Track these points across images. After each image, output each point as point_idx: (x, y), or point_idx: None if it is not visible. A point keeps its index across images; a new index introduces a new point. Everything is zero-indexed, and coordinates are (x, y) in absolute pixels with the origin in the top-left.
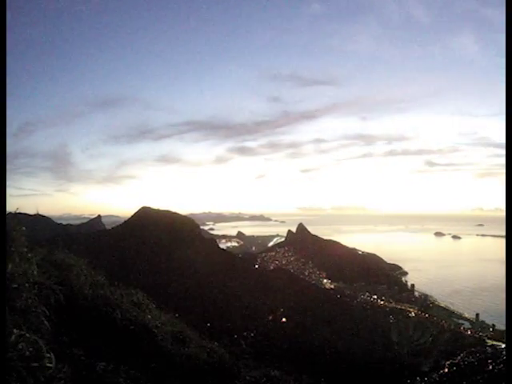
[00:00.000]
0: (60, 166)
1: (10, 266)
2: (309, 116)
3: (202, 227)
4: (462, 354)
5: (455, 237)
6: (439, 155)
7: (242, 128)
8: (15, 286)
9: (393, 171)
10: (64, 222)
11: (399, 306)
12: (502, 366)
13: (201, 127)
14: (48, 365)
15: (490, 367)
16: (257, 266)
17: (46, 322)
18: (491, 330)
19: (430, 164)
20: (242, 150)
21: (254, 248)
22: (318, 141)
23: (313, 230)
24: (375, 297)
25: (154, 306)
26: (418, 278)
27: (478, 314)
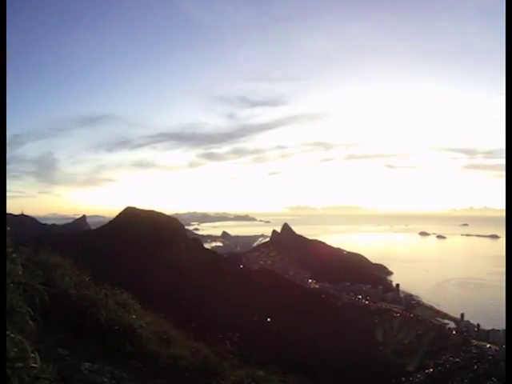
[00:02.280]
0: (44, 171)
1: None
2: (265, 128)
3: (186, 227)
4: (446, 354)
5: (440, 237)
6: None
7: (207, 138)
8: None
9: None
10: (49, 223)
11: (384, 306)
12: (487, 365)
13: (171, 138)
14: (33, 365)
15: (475, 367)
16: (241, 267)
17: (30, 322)
18: (476, 329)
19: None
20: (211, 156)
21: (238, 248)
22: (280, 147)
23: (299, 229)
24: (360, 297)
25: (139, 306)
26: (403, 277)
27: (462, 314)
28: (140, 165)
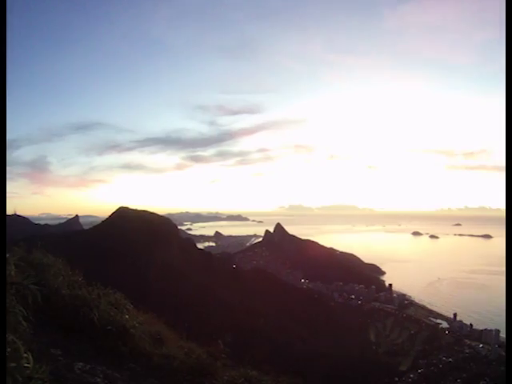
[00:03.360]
0: (37, 173)
1: None
2: (247, 133)
3: (179, 227)
4: (439, 354)
5: (433, 236)
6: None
7: (192, 142)
8: None
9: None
10: (42, 223)
11: (377, 306)
12: (479, 365)
13: (157, 142)
14: (26, 365)
15: (468, 367)
16: (234, 266)
17: (23, 322)
18: (469, 329)
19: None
20: (196, 159)
21: (231, 248)
22: (263, 150)
23: (292, 229)
24: (353, 297)
25: (132, 306)
26: (396, 277)
27: (455, 314)
28: (129, 167)
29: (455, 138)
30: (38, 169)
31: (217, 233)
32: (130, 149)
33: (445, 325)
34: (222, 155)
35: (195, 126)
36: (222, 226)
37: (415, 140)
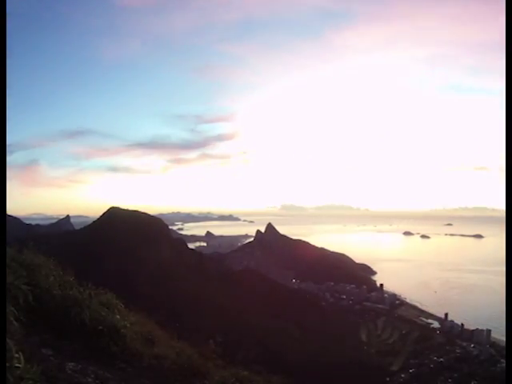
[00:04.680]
0: (29, 174)
1: None
2: (226, 138)
3: (170, 227)
4: (431, 354)
5: (424, 236)
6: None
7: (175, 146)
8: None
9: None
10: (33, 223)
11: (368, 306)
12: (471, 365)
13: (142, 147)
14: (17, 365)
15: (459, 367)
16: (225, 267)
17: (14, 322)
18: (460, 329)
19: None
20: (180, 161)
21: (222, 248)
22: (244, 153)
23: (283, 229)
24: (344, 296)
25: (123, 306)
26: (387, 277)
27: (446, 314)
28: (115, 169)
29: (454, 137)
30: (29, 170)
31: (208, 233)
32: (115, 153)
33: (436, 325)
34: (205, 158)
35: (176, 133)
36: (213, 226)
37: (413, 141)
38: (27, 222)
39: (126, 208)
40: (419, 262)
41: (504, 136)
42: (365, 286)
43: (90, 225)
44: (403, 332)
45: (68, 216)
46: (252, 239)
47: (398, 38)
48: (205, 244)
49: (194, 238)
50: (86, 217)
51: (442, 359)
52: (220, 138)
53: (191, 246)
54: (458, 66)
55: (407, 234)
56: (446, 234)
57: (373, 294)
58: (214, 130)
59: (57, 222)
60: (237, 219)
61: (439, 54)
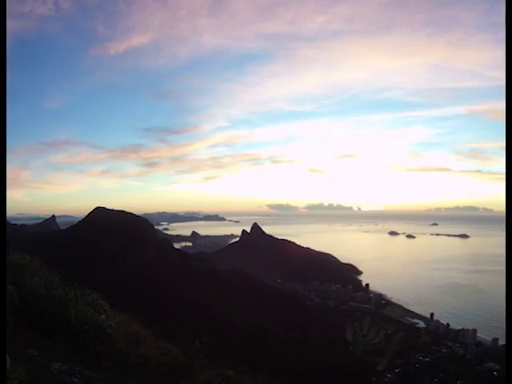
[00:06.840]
0: (15, 174)
1: None
2: (197, 145)
3: (156, 227)
4: (416, 354)
5: (409, 236)
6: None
7: (148, 152)
8: None
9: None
10: (18, 223)
11: (354, 306)
12: (457, 365)
13: (118, 155)
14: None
15: (445, 366)
16: (211, 266)
17: None
18: (445, 329)
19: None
20: (153, 165)
21: (208, 248)
22: (214, 158)
23: (269, 229)
24: (330, 296)
25: (109, 306)
26: (373, 277)
27: (432, 314)
28: (99, 174)
29: (452, 138)
30: (15, 173)
31: (194, 233)
32: (96, 160)
33: (422, 324)
34: (176, 162)
35: (149, 142)
36: (198, 226)
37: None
38: (13, 222)
39: (111, 208)
40: (404, 262)
41: (504, 136)
42: (351, 286)
43: (75, 225)
44: (389, 332)
45: (54, 216)
46: (238, 239)
47: None
48: (190, 244)
49: (180, 238)
50: (71, 217)
51: (427, 359)
52: (190, 144)
53: (177, 245)
54: None
55: (393, 233)
56: (431, 234)
57: (359, 293)
58: (183, 140)
59: (42, 222)
60: (222, 219)
61: None
